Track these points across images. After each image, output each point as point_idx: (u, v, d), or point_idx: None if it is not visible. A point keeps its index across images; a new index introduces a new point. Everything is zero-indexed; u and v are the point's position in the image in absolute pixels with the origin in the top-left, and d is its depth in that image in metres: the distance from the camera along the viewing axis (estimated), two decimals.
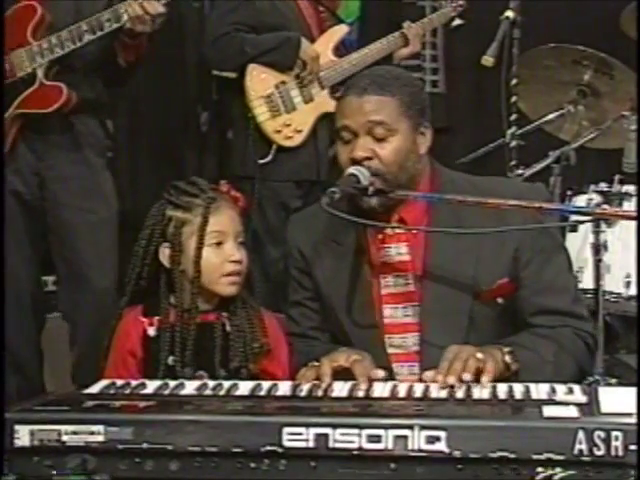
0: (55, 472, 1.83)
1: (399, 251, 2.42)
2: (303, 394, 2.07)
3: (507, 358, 2.22)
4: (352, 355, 2.27)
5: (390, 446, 1.76)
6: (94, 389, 2.11)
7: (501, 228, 2.32)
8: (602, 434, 1.72)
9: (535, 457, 1.73)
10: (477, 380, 2.07)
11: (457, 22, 4.07)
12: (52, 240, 3.40)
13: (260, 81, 3.78)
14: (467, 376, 2.06)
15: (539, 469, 1.74)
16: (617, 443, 1.71)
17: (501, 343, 2.27)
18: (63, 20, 3.24)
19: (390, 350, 2.43)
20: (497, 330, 2.39)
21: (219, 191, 2.55)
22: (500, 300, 2.40)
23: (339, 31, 4.01)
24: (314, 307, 2.55)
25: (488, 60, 3.65)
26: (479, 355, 2.14)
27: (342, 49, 4.01)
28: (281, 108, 3.79)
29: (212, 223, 2.47)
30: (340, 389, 2.07)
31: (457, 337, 2.34)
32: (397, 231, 2.42)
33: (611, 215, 2.95)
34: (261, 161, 3.77)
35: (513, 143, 3.79)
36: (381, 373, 2.18)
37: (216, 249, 2.47)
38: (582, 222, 2.95)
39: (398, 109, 2.35)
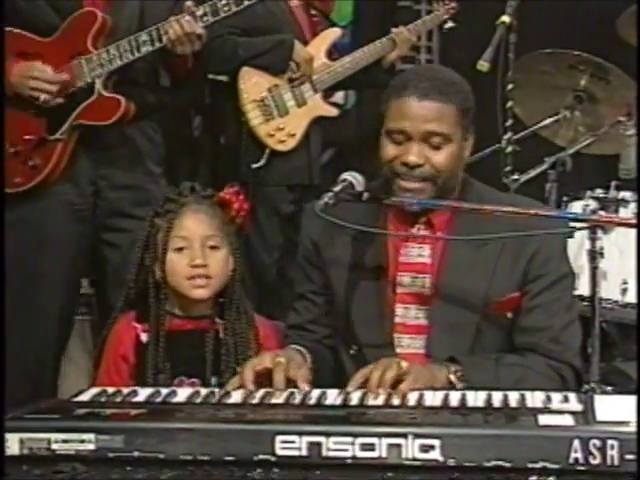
0: None
1: (421, 253, 2.44)
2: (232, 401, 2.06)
3: (452, 377, 2.23)
4: (278, 357, 2.25)
5: (384, 455, 1.77)
6: (85, 397, 2.11)
7: (503, 235, 2.35)
8: (598, 443, 1.73)
9: (530, 466, 1.74)
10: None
11: (449, 25, 4.08)
12: (100, 245, 3.35)
13: (253, 84, 3.79)
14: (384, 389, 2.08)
15: (534, 478, 1.74)
16: (613, 452, 1.72)
17: (455, 361, 2.27)
18: (126, 24, 3.24)
19: (398, 350, 2.43)
20: (503, 345, 2.41)
21: (208, 193, 2.57)
22: (510, 315, 2.41)
23: (332, 34, 4.01)
24: (317, 301, 2.55)
25: (484, 65, 3.65)
26: (402, 364, 2.14)
27: (335, 52, 4.02)
28: (274, 112, 3.80)
29: (177, 228, 2.50)
30: (334, 397, 2.07)
31: (463, 345, 2.37)
32: (422, 232, 2.44)
33: (610, 222, 2.96)
34: (254, 165, 3.78)
35: (509, 149, 3.79)
36: (305, 387, 2.14)
37: (179, 253, 2.50)
38: (578, 229, 2.95)
39: (455, 117, 2.36)
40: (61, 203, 3.27)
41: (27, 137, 3.22)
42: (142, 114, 3.32)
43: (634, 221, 2.94)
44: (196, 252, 2.49)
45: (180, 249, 2.50)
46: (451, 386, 2.21)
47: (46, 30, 3.22)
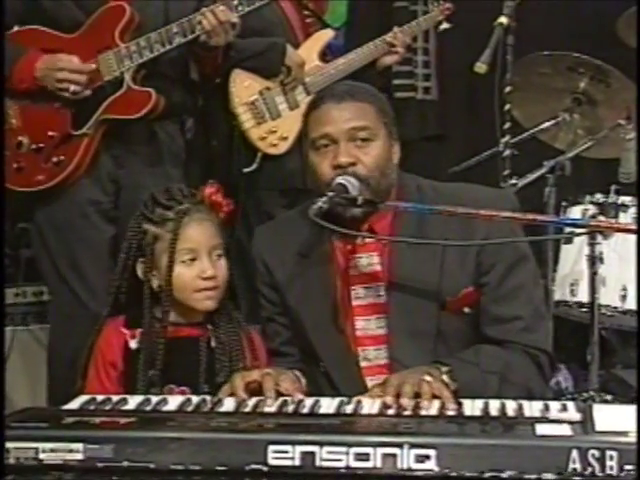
0: None
1: (370, 261, 2.45)
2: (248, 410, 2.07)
3: (445, 378, 2.23)
4: (267, 370, 2.26)
5: (378, 465, 1.77)
6: (73, 405, 2.12)
7: (484, 242, 2.36)
8: (597, 453, 1.73)
9: (527, 477, 1.74)
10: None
11: (445, 26, 4.09)
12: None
13: (244, 87, 3.79)
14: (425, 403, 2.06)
15: None
16: (612, 463, 1.72)
17: (442, 362, 2.28)
18: (153, 21, 3.24)
19: (363, 363, 2.45)
20: (466, 341, 2.41)
21: (198, 198, 2.54)
22: (467, 310, 2.42)
23: (325, 36, 4.02)
24: (283, 322, 2.57)
25: (481, 67, 3.67)
26: (427, 378, 2.14)
27: (328, 54, 4.03)
28: (266, 115, 3.80)
29: (183, 239, 2.46)
30: (327, 406, 2.08)
31: (425, 349, 2.37)
32: (367, 240, 2.45)
33: (609, 228, 2.97)
34: (246, 169, 3.78)
35: (507, 152, 3.80)
36: (299, 396, 2.14)
37: (188, 266, 2.48)
38: (577, 234, 2.97)
39: (376, 114, 2.41)
40: (87, 202, 3.27)
41: (51, 133, 3.21)
42: (170, 111, 3.31)
43: (634, 227, 2.94)
44: (206, 264, 2.48)
45: (188, 261, 2.47)
46: (446, 387, 2.20)
47: (71, 27, 3.22)
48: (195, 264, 2.48)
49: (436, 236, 2.38)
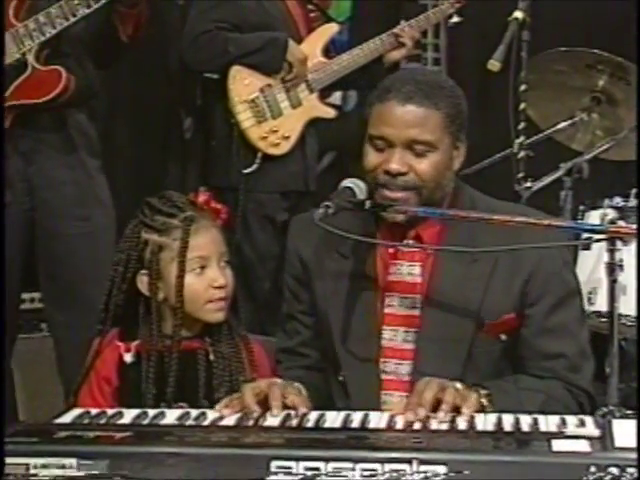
0: None
1: (411, 271, 2.44)
2: (232, 423, 2.08)
3: (484, 400, 2.21)
4: (274, 380, 2.27)
5: None
6: (66, 418, 2.12)
7: (514, 246, 2.34)
8: (615, 471, 1.74)
9: None
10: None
11: (455, 19, 4.10)
12: (40, 254, 3.31)
13: (244, 84, 3.81)
14: (445, 409, 2.07)
15: None
16: None
17: (481, 385, 2.27)
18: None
19: (383, 376, 2.45)
20: (496, 369, 2.41)
21: (198, 205, 2.54)
22: (504, 337, 2.42)
23: (329, 30, 4.04)
24: (306, 322, 2.57)
25: (495, 64, 3.69)
26: (458, 386, 2.14)
27: (332, 50, 4.04)
28: (267, 113, 3.82)
29: (193, 247, 2.46)
30: (333, 419, 2.09)
31: (453, 370, 2.35)
32: (412, 249, 2.44)
33: (630, 234, 2.98)
34: (245, 171, 3.80)
35: (521, 154, 3.81)
36: (303, 410, 2.15)
37: (199, 275, 2.47)
38: (596, 241, 2.96)
39: (442, 124, 2.36)
40: None
41: None
42: (78, 96, 3.20)
43: None
44: (217, 272, 2.48)
45: (198, 270, 2.47)
46: (482, 410, 2.19)
47: None
48: (205, 273, 2.48)
49: (486, 254, 2.36)
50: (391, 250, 2.46)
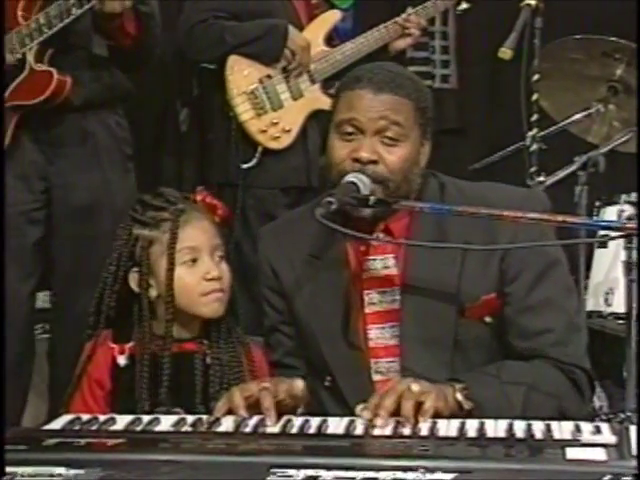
0: None
1: (386, 264, 2.47)
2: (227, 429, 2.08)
3: (459, 396, 2.23)
4: (264, 384, 2.27)
5: None
6: (56, 425, 2.13)
7: (509, 246, 2.37)
8: None
9: None
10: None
11: (464, 6, 4.10)
12: (55, 254, 3.37)
13: (242, 75, 3.82)
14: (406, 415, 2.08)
15: None
16: None
17: (457, 379, 2.28)
18: None
19: (376, 377, 2.46)
20: (488, 354, 2.42)
21: (192, 200, 2.57)
22: (488, 319, 2.43)
23: (331, 18, 4.04)
24: (288, 332, 2.58)
25: (506, 52, 3.69)
26: (415, 388, 2.14)
27: (335, 38, 4.05)
28: (266, 105, 3.83)
29: (182, 238, 2.48)
30: (335, 426, 2.09)
31: (440, 360, 2.39)
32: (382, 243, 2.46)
33: None
34: (244, 165, 3.81)
35: (534, 147, 3.82)
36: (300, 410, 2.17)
37: (190, 267, 2.49)
38: (612, 238, 2.98)
39: (413, 114, 2.41)
40: (10, 201, 3.22)
41: None
42: (100, 97, 3.29)
43: None
44: (209, 264, 2.50)
45: (190, 262, 2.49)
46: (459, 407, 2.22)
47: None
48: (197, 265, 2.50)
49: (457, 239, 2.39)
50: (362, 247, 2.48)
